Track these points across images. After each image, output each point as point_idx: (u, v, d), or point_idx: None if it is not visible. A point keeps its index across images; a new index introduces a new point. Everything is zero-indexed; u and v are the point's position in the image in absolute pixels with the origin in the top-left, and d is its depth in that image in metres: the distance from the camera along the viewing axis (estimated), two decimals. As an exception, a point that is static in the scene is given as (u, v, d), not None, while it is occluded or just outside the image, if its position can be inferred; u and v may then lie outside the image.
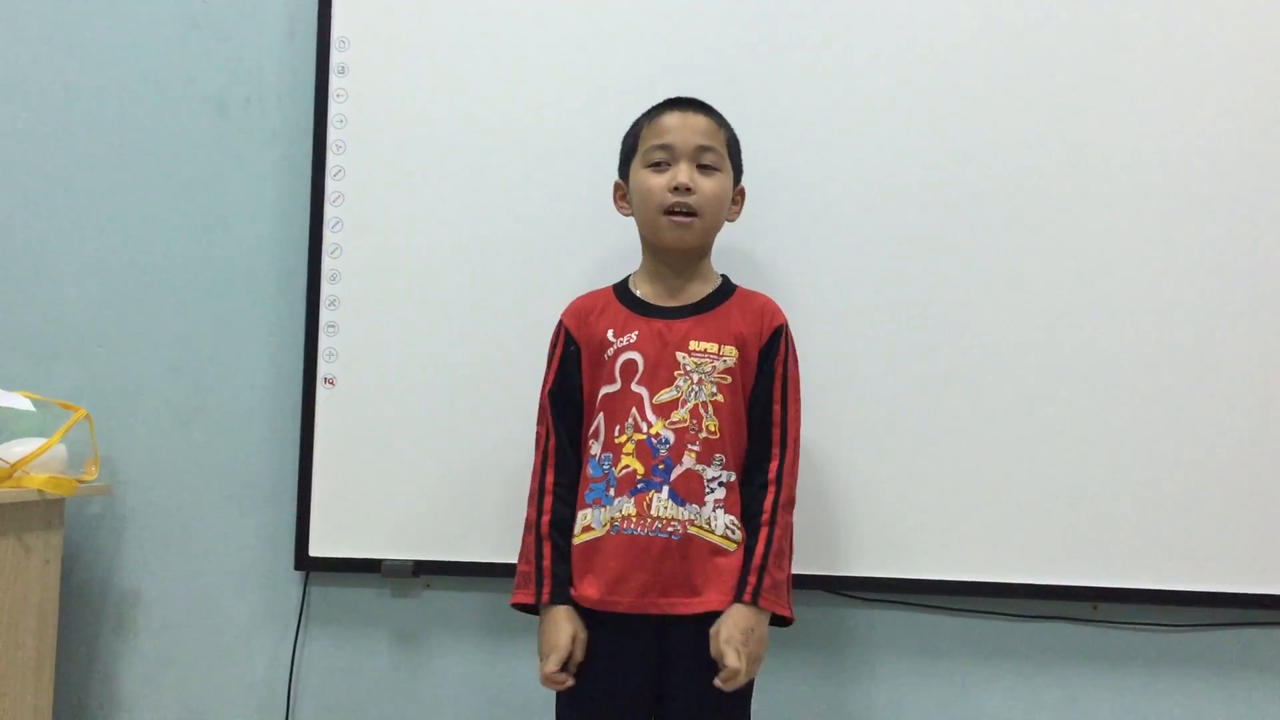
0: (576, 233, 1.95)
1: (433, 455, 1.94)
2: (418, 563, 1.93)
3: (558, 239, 1.95)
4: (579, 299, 1.70)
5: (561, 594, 1.56)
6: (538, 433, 1.65)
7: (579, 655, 1.53)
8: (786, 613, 1.54)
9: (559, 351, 1.66)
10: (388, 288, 1.97)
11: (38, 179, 2.08)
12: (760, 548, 1.54)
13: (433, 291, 1.96)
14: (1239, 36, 1.89)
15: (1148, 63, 1.90)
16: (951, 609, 1.92)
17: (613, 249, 1.92)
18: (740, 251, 1.87)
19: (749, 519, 1.57)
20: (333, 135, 1.99)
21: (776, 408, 1.59)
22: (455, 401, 1.94)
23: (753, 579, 1.52)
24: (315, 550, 1.96)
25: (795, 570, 1.61)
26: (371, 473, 1.95)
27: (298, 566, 1.97)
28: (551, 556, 1.57)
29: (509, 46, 1.98)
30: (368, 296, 1.97)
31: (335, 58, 1.99)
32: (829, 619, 1.93)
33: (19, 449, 1.83)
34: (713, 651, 1.48)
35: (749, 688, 1.56)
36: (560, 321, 1.68)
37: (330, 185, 1.98)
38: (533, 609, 1.58)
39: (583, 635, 1.54)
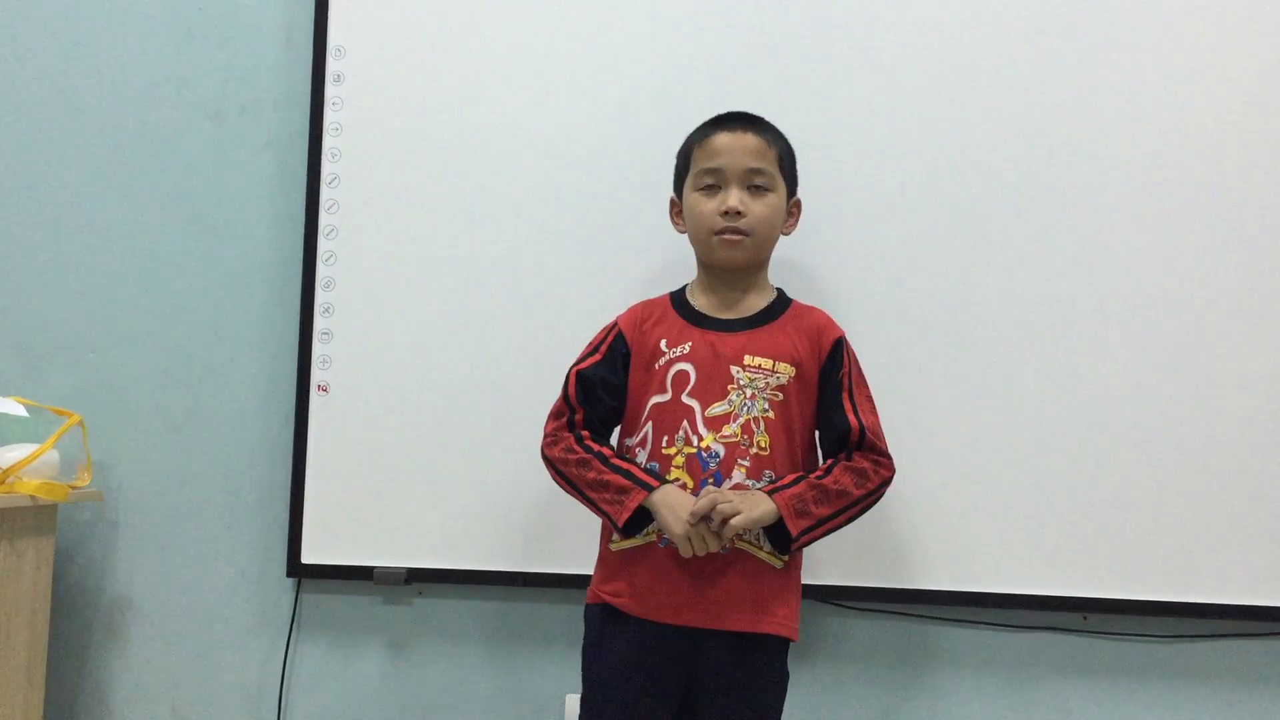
0: (572, 240, 1.95)
1: (426, 462, 1.94)
2: (410, 570, 1.93)
3: (552, 247, 1.96)
4: (636, 305, 1.68)
5: (660, 479, 1.51)
6: (556, 407, 1.60)
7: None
8: (790, 525, 1.48)
9: (606, 344, 1.63)
10: (382, 295, 1.97)
11: (32, 184, 2.08)
12: (816, 472, 1.53)
13: (427, 299, 1.96)
14: (1246, 35, 1.90)
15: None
16: (940, 618, 1.92)
17: (606, 257, 1.93)
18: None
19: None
20: (328, 143, 1.99)
21: (850, 417, 1.56)
22: (449, 409, 1.94)
23: (787, 480, 1.51)
24: (307, 557, 1.95)
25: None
26: (364, 480, 1.95)
27: (290, 573, 1.97)
28: (628, 462, 1.54)
29: (505, 54, 1.98)
30: (362, 304, 1.97)
31: (331, 66, 2.00)
32: (818, 628, 1.94)
33: (11, 454, 1.83)
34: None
35: (778, 707, 1.56)
36: (615, 322, 1.66)
37: (325, 193, 1.98)
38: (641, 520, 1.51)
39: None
